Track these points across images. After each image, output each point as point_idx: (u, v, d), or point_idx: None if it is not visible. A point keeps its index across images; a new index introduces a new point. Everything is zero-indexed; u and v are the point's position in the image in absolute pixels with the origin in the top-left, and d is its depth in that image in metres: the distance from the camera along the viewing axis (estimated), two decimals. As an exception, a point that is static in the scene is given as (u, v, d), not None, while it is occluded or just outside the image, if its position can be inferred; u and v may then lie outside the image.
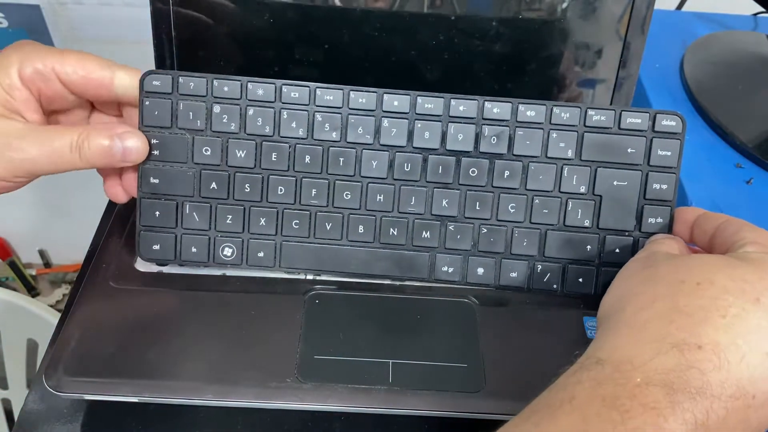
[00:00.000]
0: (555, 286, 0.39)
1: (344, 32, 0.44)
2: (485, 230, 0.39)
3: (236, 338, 0.35)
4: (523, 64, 0.46)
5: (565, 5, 0.43)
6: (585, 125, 0.38)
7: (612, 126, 0.38)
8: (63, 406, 0.35)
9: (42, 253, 1.14)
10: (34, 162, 0.34)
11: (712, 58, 0.60)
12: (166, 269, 0.39)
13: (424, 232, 0.38)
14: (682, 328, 0.25)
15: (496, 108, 0.38)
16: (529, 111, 0.38)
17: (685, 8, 0.68)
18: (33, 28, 0.78)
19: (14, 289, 0.91)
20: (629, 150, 0.38)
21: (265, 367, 0.34)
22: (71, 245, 1.14)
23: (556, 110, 0.38)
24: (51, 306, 0.83)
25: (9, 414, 0.81)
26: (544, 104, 0.38)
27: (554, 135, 0.38)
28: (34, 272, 1.15)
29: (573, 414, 0.24)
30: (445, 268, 0.39)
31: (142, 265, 0.39)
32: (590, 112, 0.38)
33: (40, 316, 0.73)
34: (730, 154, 0.52)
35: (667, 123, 0.38)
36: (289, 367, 0.34)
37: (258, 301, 0.37)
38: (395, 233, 0.38)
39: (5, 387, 0.80)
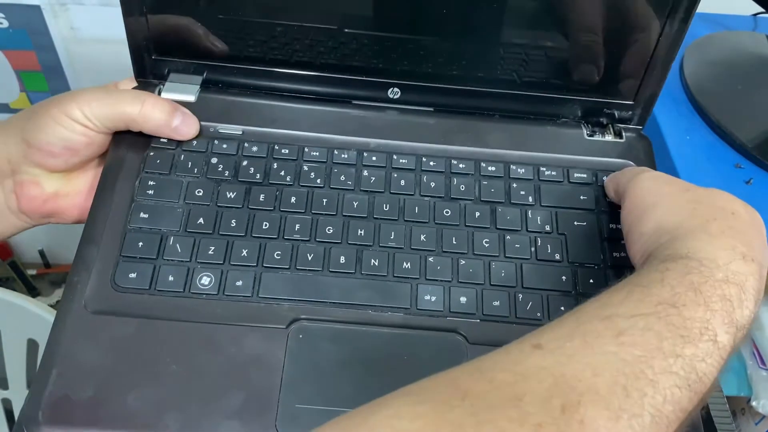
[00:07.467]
0: (539, 314, 0.38)
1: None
2: (464, 262, 0.40)
3: (217, 382, 0.34)
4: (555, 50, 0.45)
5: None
6: (539, 179, 0.43)
7: (563, 180, 0.44)
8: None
9: (42, 253, 1.14)
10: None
11: (712, 58, 0.60)
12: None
13: (404, 263, 0.39)
14: (743, 243, 0.32)
15: (462, 164, 0.43)
16: (490, 167, 0.43)
17: (684, 8, 0.68)
18: (33, 29, 0.78)
19: (14, 289, 0.91)
20: (581, 197, 0.43)
21: (244, 417, 0.33)
22: (71, 245, 1.13)
23: (512, 167, 0.44)
24: (51, 306, 0.83)
25: (9, 414, 0.81)
26: (501, 162, 0.44)
27: (514, 185, 0.43)
28: (34, 272, 1.15)
29: (664, 288, 0.29)
30: (427, 297, 0.38)
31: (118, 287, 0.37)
32: (542, 168, 0.44)
33: (40, 316, 0.72)
34: (729, 154, 0.52)
35: None
36: (269, 418, 0.33)
37: (240, 335, 0.36)
38: (376, 264, 0.39)
39: (5, 387, 0.80)
